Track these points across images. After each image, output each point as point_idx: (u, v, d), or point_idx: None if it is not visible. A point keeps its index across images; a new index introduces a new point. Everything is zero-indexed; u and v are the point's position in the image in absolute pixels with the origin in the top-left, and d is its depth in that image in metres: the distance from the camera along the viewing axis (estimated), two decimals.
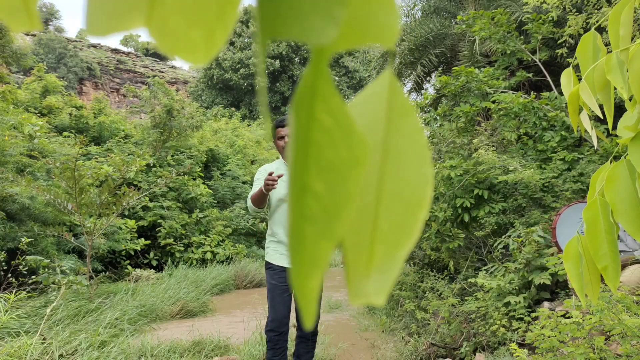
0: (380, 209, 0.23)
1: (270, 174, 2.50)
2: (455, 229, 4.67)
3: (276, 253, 2.77)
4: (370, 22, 0.20)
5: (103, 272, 6.65)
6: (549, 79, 5.95)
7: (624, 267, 3.23)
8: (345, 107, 0.19)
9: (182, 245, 8.82)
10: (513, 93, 5.47)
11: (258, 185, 2.76)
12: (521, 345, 2.87)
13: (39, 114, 11.29)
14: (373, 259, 0.23)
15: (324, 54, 0.18)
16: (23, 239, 5.00)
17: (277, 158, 2.96)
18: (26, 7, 0.19)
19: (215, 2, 0.19)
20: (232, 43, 31.19)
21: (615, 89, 0.84)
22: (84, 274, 5.46)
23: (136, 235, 8.07)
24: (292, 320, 2.79)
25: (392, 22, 0.20)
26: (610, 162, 0.82)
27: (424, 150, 0.23)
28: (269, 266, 2.80)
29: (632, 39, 0.87)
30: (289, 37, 0.18)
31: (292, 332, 3.22)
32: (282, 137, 2.78)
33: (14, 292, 3.98)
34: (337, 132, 0.19)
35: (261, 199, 2.64)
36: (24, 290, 4.36)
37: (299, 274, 0.19)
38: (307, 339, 2.72)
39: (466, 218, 4.61)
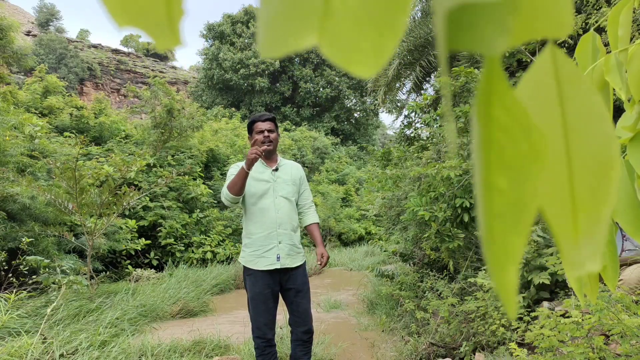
0: (574, 177, 0.23)
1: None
2: (455, 229, 4.67)
3: (254, 257, 2.63)
4: (545, 15, 0.21)
5: (103, 272, 6.66)
6: None
7: (623, 265, 3.24)
8: (521, 104, 0.19)
9: (183, 245, 8.83)
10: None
11: (232, 176, 2.66)
12: (520, 344, 2.88)
13: (39, 115, 11.31)
14: (579, 227, 0.23)
15: (496, 55, 0.19)
16: (24, 239, 5.01)
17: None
18: (170, 27, 0.20)
19: (387, 8, 0.18)
20: (232, 43, 31.20)
21: (614, 89, 0.85)
22: (85, 274, 5.47)
23: (137, 235, 8.08)
24: (282, 323, 2.76)
25: (567, 13, 0.21)
26: None
27: (601, 109, 0.24)
28: (248, 272, 2.66)
29: (631, 39, 0.87)
30: (464, 49, 0.18)
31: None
32: (262, 131, 2.69)
33: (14, 292, 3.99)
34: (515, 129, 0.19)
35: (241, 182, 2.54)
36: (24, 290, 4.37)
37: (495, 269, 0.19)
38: (303, 341, 2.68)
39: (466, 218, 4.61)
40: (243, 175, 2.53)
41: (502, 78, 0.19)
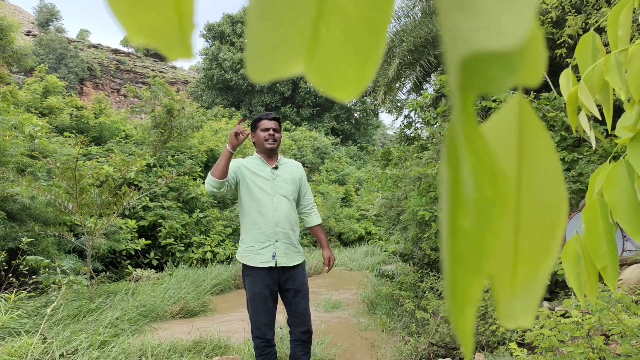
0: (520, 231, 0.24)
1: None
2: None
3: (249, 252, 2.63)
4: (522, 65, 0.21)
5: (103, 272, 6.66)
6: (548, 79, 5.95)
7: (623, 265, 3.24)
8: (489, 147, 0.19)
9: (183, 245, 8.83)
10: (513, 93, 5.47)
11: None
12: (520, 344, 2.88)
13: (39, 114, 11.32)
14: (516, 281, 0.23)
15: (469, 97, 0.19)
16: (24, 239, 5.01)
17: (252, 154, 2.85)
18: (183, 40, 0.21)
19: (368, 38, 0.19)
20: (232, 43, 31.21)
21: (614, 89, 0.85)
22: (85, 274, 5.47)
23: (137, 235, 8.08)
24: (282, 323, 2.77)
25: (540, 65, 0.21)
26: (609, 162, 0.82)
27: (556, 168, 0.24)
28: (247, 272, 2.66)
29: (631, 39, 0.87)
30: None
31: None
32: (267, 129, 2.68)
33: (14, 292, 3.99)
34: (482, 172, 0.19)
35: (223, 163, 2.50)
36: (24, 290, 4.37)
37: (455, 311, 0.19)
38: (303, 341, 2.68)
39: None
40: (226, 156, 2.51)
41: (473, 119, 0.19)
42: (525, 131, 0.24)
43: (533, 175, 0.24)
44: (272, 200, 2.66)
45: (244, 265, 2.70)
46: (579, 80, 0.89)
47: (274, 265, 2.62)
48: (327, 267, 2.81)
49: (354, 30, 0.19)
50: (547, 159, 0.24)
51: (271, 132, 2.69)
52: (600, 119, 0.88)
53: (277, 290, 2.69)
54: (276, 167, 2.74)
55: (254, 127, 2.76)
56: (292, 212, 2.74)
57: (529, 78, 0.21)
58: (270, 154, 2.74)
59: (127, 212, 7.69)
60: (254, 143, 2.80)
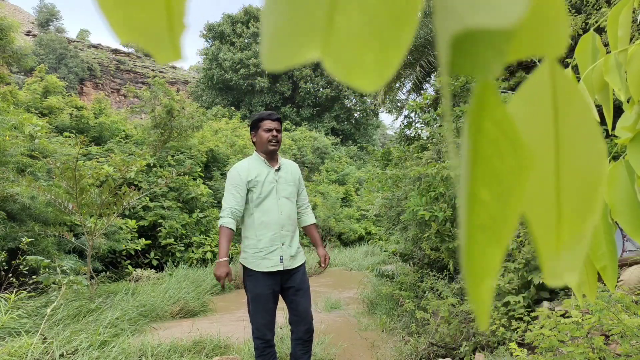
0: (561, 192, 0.24)
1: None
2: (455, 229, 4.67)
3: (257, 258, 2.61)
4: (543, 34, 0.21)
5: (103, 272, 6.66)
6: None
7: (624, 266, 3.24)
8: (511, 118, 0.19)
9: (183, 245, 8.83)
10: (512, 93, 5.46)
11: (234, 191, 2.60)
12: (520, 344, 2.88)
13: (39, 115, 11.32)
14: (561, 239, 0.24)
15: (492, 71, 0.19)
16: (24, 239, 5.01)
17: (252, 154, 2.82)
18: (172, 42, 0.20)
19: (391, 24, 0.18)
20: (232, 43, 31.20)
21: (613, 90, 0.84)
22: (85, 274, 5.47)
23: (137, 235, 8.07)
24: (282, 323, 2.77)
25: (563, 33, 0.21)
26: (609, 162, 0.82)
27: (594, 125, 0.24)
28: (249, 273, 2.65)
29: (631, 39, 0.87)
30: (464, 74, 0.19)
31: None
32: (270, 130, 2.66)
33: (14, 292, 3.99)
34: (503, 143, 0.19)
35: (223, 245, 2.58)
36: (24, 290, 4.37)
37: (472, 279, 0.19)
38: (304, 340, 2.68)
39: None
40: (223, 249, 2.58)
41: (494, 91, 0.19)
42: (559, 93, 0.25)
43: (571, 137, 0.24)
44: (277, 204, 2.66)
45: (246, 267, 2.69)
46: (578, 80, 0.89)
47: (282, 269, 2.63)
48: (322, 265, 2.81)
49: (375, 11, 0.18)
50: (585, 119, 0.24)
51: (274, 132, 2.67)
52: (599, 119, 0.88)
53: (278, 290, 2.69)
54: (279, 169, 2.74)
55: (255, 126, 2.72)
56: (294, 214, 2.76)
57: (552, 47, 0.21)
58: (272, 155, 2.73)
59: (127, 212, 7.69)
60: (254, 142, 2.78)
